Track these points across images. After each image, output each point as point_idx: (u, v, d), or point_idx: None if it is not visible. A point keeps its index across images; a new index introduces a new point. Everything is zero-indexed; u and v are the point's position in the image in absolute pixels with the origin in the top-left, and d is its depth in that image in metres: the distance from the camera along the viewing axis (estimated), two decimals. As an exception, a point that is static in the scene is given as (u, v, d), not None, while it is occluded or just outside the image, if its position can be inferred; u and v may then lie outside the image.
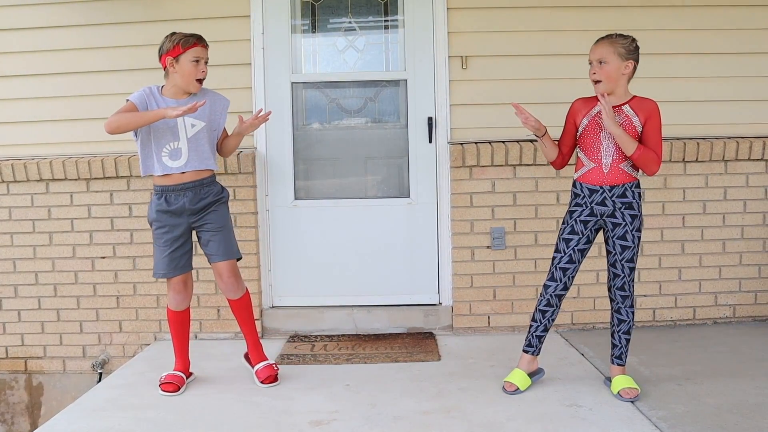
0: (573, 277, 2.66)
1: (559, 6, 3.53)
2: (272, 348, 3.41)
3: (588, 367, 2.99)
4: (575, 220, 2.64)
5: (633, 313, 2.64)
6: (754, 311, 3.67)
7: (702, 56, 3.57)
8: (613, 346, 2.69)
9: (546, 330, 2.71)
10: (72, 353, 3.69)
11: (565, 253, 2.63)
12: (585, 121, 2.63)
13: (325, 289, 3.72)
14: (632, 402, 2.57)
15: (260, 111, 2.86)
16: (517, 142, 3.51)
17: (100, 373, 3.62)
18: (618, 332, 2.66)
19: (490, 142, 3.52)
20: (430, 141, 3.65)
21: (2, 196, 3.63)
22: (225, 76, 3.55)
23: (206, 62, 2.73)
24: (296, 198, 3.72)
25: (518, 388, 2.68)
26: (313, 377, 2.96)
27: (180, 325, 2.86)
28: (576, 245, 2.63)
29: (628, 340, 2.67)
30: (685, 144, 3.54)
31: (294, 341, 3.54)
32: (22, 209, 3.63)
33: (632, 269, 2.61)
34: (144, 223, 3.59)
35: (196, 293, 3.61)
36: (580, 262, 2.66)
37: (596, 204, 2.61)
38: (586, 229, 2.63)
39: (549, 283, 2.66)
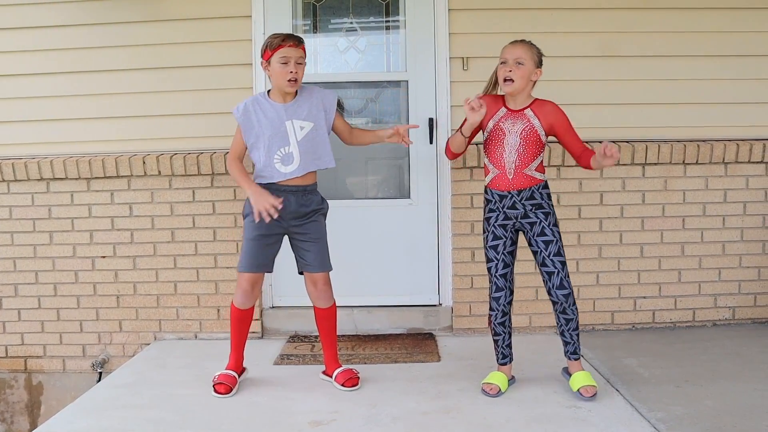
0: (512, 280, 2.70)
1: (561, 8, 3.53)
2: (272, 348, 3.42)
3: (588, 368, 2.98)
4: (494, 225, 2.67)
5: (576, 309, 2.65)
6: (753, 313, 3.68)
7: (702, 58, 3.58)
8: (565, 343, 2.71)
9: (511, 336, 2.75)
10: (72, 352, 3.69)
11: (498, 260, 2.67)
12: (490, 125, 2.64)
13: (325, 290, 3.72)
14: (625, 400, 2.57)
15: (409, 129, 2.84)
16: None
17: (100, 373, 3.63)
18: (567, 330, 2.68)
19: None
20: (431, 142, 3.66)
21: (3, 195, 3.63)
22: (226, 77, 3.57)
23: (299, 63, 2.66)
24: (297, 198, 3.72)
25: (501, 390, 2.69)
26: (313, 377, 2.96)
27: (240, 322, 2.82)
28: (504, 249, 2.66)
29: (578, 335, 2.69)
30: (685, 146, 3.55)
31: (294, 341, 3.54)
32: (23, 208, 3.63)
33: (563, 264, 2.61)
34: (144, 222, 3.61)
35: (196, 293, 3.62)
36: (513, 264, 2.69)
37: (507, 208, 2.64)
38: (507, 232, 2.67)
39: (497, 294, 2.68)
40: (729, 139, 3.60)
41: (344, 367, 2.86)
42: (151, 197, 3.60)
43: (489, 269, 2.70)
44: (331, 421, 2.49)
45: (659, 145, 3.54)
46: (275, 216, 2.58)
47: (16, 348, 3.71)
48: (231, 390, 2.75)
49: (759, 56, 3.59)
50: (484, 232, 2.72)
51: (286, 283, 3.73)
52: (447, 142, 2.80)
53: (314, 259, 2.78)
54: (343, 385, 2.79)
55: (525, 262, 3.59)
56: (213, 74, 3.57)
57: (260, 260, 2.75)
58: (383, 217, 3.72)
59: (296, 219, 2.73)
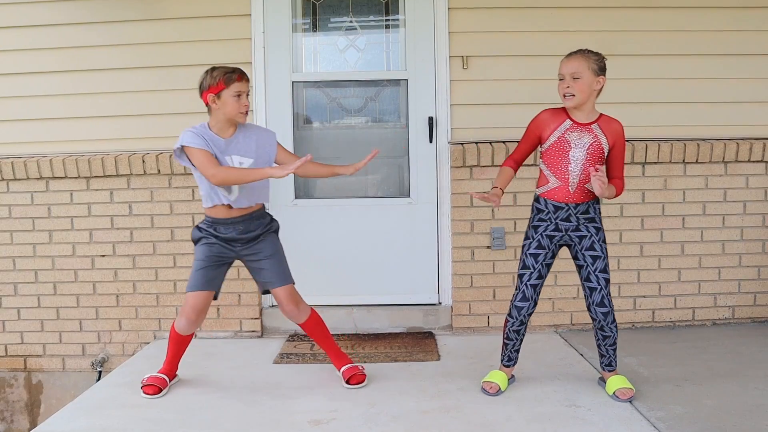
0: (540, 292, 2.64)
1: (561, 6, 3.53)
2: (272, 347, 3.42)
3: (587, 368, 2.99)
4: (541, 234, 2.62)
5: (616, 326, 2.63)
6: (753, 313, 3.68)
7: (702, 57, 3.58)
8: (601, 356, 2.70)
9: (522, 342, 2.73)
10: (71, 351, 3.69)
11: (534, 269, 2.61)
12: (553, 138, 2.60)
13: (325, 289, 3.72)
14: (630, 402, 2.57)
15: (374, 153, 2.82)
16: (517, 142, 3.50)
17: (100, 372, 3.63)
18: (604, 346, 2.66)
19: (490, 142, 3.53)
20: (431, 141, 3.65)
21: (2, 194, 3.63)
22: (226, 75, 3.55)
23: (247, 95, 2.67)
24: (296, 197, 3.72)
25: (500, 389, 2.69)
26: (312, 376, 2.96)
27: (178, 344, 2.83)
28: (543, 260, 2.62)
29: (615, 350, 2.67)
30: (685, 145, 3.55)
31: (294, 340, 3.54)
32: (22, 207, 3.63)
33: (607, 281, 2.58)
34: (144, 221, 3.60)
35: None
36: (545, 277, 2.65)
37: (561, 220, 2.60)
38: (552, 244, 2.62)
39: (521, 303, 2.61)
40: (729, 138, 3.60)
41: (350, 365, 2.87)
42: (150, 196, 3.59)
43: (521, 276, 2.63)
44: (330, 420, 2.49)
45: (659, 144, 3.54)
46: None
47: (15, 347, 3.71)
48: (160, 392, 2.76)
49: (759, 55, 3.59)
50: (527, 238, 2.65)
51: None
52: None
53: (272, 276, 2.74)
54: (347, 381, 2.80)
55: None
56: (213, 73, 3.56)
57: (208, 280, 2.71)
58: (383, 215, 3.72)
59: (245, 244, 2.73)
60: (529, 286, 2.61)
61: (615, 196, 2.60)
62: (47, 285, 3.66)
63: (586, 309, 2.64)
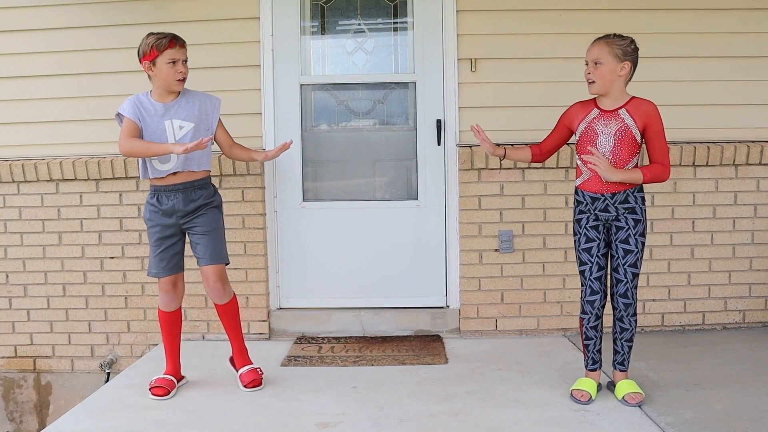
0: (606, 283, 2.62)
1: (569, 9, 3.52)
2: (279, 349, 3.42)
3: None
4: (586, 227, 2.61)
5: (636, 321, 2.61)
6: (764, 317, 3.64)
7: (712, 59, 3.55)
8: (615, 352, 2.67)
9: (602, 341, 2.67)
10: (80, 353, 3.71)
11: (592, 263, 2.60)
12: (582, 128, 2.59)
13: (333, 291, 3.72)
14: (639, 407, 2.55)
15: (285, 145, 2.86)
16: (525, 144, 3.49)
17: (108, 373, 3.64)
18: (620, 340, 2.64)
19: (498, 145, 3.50)
20: (439, 143, 3.65)
21: (12, 196, 3.66)
22: (234, 78, 3.57)
23: (185, 62, 2.70)
24: (304, 200, 3.72)
25: (591, 397, 2.62)
26: (320, 379, 2.96)
27: (170, 326, 2.84)
28: (598, 251, 2.60)
29: (630, 347, 2.65)
30: (695, 148, 3.52)
31: (301, 343, 3.54)
32: (32, 209, 3.65)
33: (635, 275, 2.57)
34: (153, 223, 3.61)
35: (203, 294, 3.62)
36: (607, 266, 2.63)
37: (599, 211, 2.59)
38: (599, 233, 2.61)
39: (591, 297, 2.60)
40: (739, 140, 3.58)
41: (251, 366, 2.86)
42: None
43: (582, 272, 2.62)
44: (338, 423, 2.49)
45: (669, 147, 3.51)
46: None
47: (25, 348, 3.73)
48: (168, 393, 2.76)
49: (769, 57, 3.56)
50: (575, 234, 2.65)
51: (293, 284, 3.73)
52: None
53: (204, 252, 2.75)
54: (246, 386, 2.80)
55: (532, 264, 3.60)
56: (221, 76, 3.58)
57: (167, 263, 2.77)
58: (391, 218, 3.71)
59: (186, 215, 2.75)
60: (593, 280, 2.60)
61: (646, 181, 2.52)
62: (57, 286, 3.68)
63: (612, 307, 2.61)
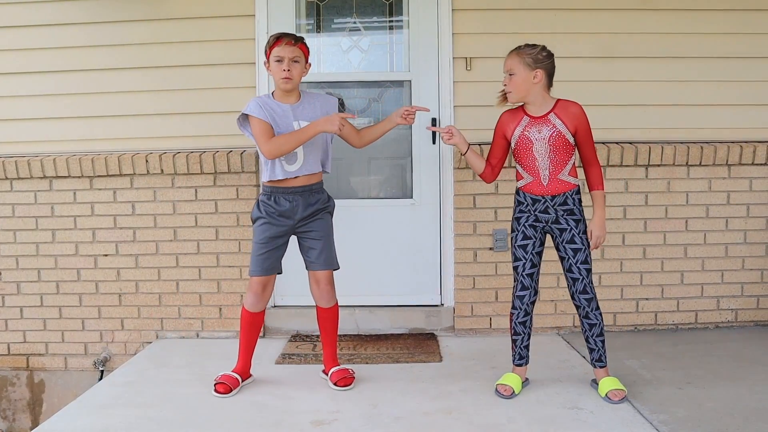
0: (538, 281, 2.70)
1: (564, 8, 3.53)
2: (274, 347, 3.42)
3: (589, 370, 2.97)
4: (524, 225, 2.67)
5: (601, 314, 2.66)
6: (756, 316, 3.67)
7: (706, 60, 3.57)
8: (591, 350, 2.70)
9: (530, 338, 2.74)
10: (74, 350, 3.69)
11: (526, 259, 2.66)
12: (516, 136, 2.65)
13: (327, 289, 3.71)
14: (630, 403, 2.56)
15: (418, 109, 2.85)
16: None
17: (102, 371, 3.63)
18: (591, 336, 2.67)
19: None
20: (434, 142, 3.65)
21: (6, 193, 3.64)
22: (229, 76, 3.57)
23: (294, 61, 2.66)
24: (299, 198, 3.72)
25: (514, 392, 2.69)
26: (314, 377, 2.96)
27: (251, 326, 2.83)
28: (533, 249, 2.67)
29: (603, 342, 2.68)
30: (688, 148, 3.54)
31: (296, 340, 3.54)
32: (26, 206, 3.64)
33: (588, 271, 2.62)
34: (147, 221, 3.61)
35: (198, 292, 3.63)
36: (539, 265, 2.69)
37: (539, 212, 2.64)
38: (536, 233, 2.67)
39: (521, 293, 2.67)
40: (732, 141, 3.60)
41: (340, 366, 2.86)
42: (153, 196, 3.60)
43: (515, 268, 2.69)
44: (332, 421, 2.49)
45: (662, 147, 3.53)
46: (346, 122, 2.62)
47: (18, 345, 3.71)
48: (231, 391, 2.75)
49: (762, 58, 3.58)
50: (512, 231, 2.71)
51: (288, 282, 3.72)
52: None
53: (318, 257, 2.79)
54: (336, 384, 2.79)
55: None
56: (216, 73, 3.58)
57: (270, 263, 2.78)
58: (385, 216, 3.72)
59: (303, 219, 2.76)
60: (525, 276, 2.66)
61: (598, 188, 2.60)
62: (50, 284, 3.67)
63: (575, 306, 2.67)
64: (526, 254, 2.66)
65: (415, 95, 3.65)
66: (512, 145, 2.68)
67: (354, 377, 2.83)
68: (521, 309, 2.68)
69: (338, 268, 2.86)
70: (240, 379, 2.81)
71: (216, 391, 2.74)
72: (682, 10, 3.54)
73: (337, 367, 2.85)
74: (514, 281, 2.71)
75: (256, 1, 3.57)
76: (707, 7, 3.54)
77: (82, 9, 3.57)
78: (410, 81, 3.66)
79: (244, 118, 2.72)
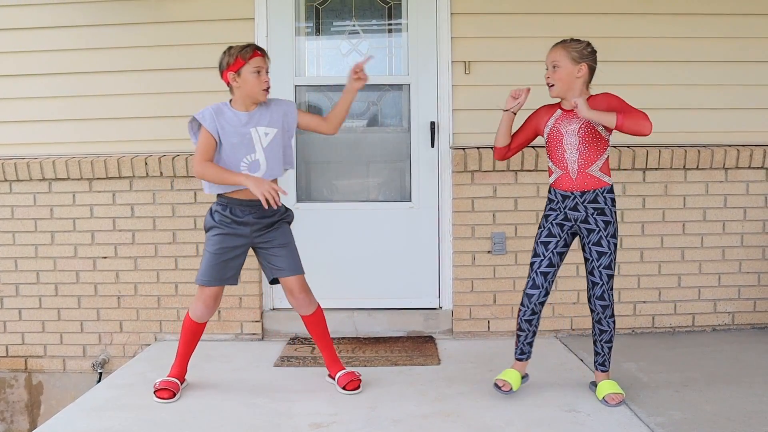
0: (552, 282, 2.66)
1: (562, 12, 3.55)
2: (272, 350, 3.43)
3: (587, 373, 2.99)
4: (551, 223, 2.65)
5: (614, 322, 2.64)
6: (753, 319, 3.68)
7: (703, 64, 3.59)
8: (596, 353, 2.70)
9: (534, 335, 2.72)
10: (72, 352, 3.69)
11: (544, 257, 2.63)
12: (547, 130, 2.65)
13: (326, 292, 3.67)
14: (627, 406, 2.57)
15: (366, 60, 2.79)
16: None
17: (100, 373, 3.63)
18: (600, 341, 2.67)
19: (492, 147, 3.52)
20: (433, 145, 3.66)
21: (5, 194, 3.64)
22: (228, 78, 3.57)
23: (267, 71, 2.66)
24: (298, 200, 3.73)
25: (512, 388, 2.69)
26: (313, 379, 2.97)
27: (194, 335, 2.81)
28: (554, 248, 2.63)
29: (610, 348, 2.67)
30: (685, 151, 3.56)
31: (294, 343, 3.54)
32: (25, 208, 3.64)
33: (610, 276, 2.60)
34: (146, 223, 3.61)
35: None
36: (558, 266, 2.66)
37: (569, 209, 2.62)
38: (563, 232, 2.64)
39: (531, 291, 2.64)
40: (729, 144, 3.61)
41: (347, 369, 2.86)
42: (152, 198, 3.60)
43: (531, 264, 2.65)
44: (331, 423, 2.50)
45: (660, 150, 3.55)
46: (280, 198, 2.55)
47: (16, 347, 3.71)
48: (174, 396, 2.72)
49: (759, 62, 3.60)
50: (540, 227, 2.68)
51: (286, 285, 3.73)
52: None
53: (285, 263, 2.72)
54: (344, 388, 2.79)
55: (525, 266, 3.61)
56: (215, 76, 3.56)
57: (225, 274, 2.71)
58: (384, 219, 3.72)
59: (260, 230, 2.71)
60: (539, 273, 2.62)
61: (619, 126, 2.45)
62: (49, 286, 3.67)
63: (587, 310, 2.64)
64: (546, 251, 2.62)
65: (414, 99, 3.66)
66: (545, 137, 2.66)
67: (361, 380, 2.82)
68: (528, 307, 2.65)
69: (304, 273, 2.79)
70: (179, 383, 2.79)
71: (158, 397, 2.71)
72: (678, 14, 3.56)
73: (344, 371, 2.83)
74: (528, 277, 2.67)
75: (255, 4, 3.58)
76: (704, 11, 3.56)
77: (82, 12, 3.58)
78: (409, 84, 3.67)
79: (193, 122, 2.66)
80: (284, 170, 2.77)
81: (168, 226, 3.61)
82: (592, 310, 2.64)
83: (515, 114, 2.70)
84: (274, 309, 3.74)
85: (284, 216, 2.78)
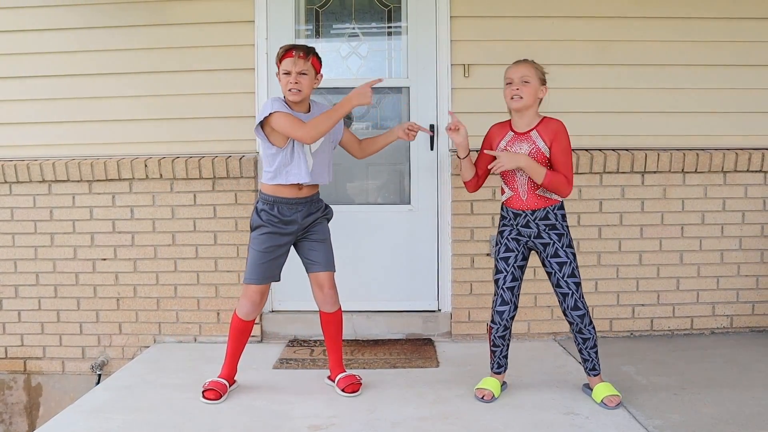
0: (518, 296, 2.69)
1: (562, 16, 3.56)
2: (272, 352, 3.43)
3: (585, 376, 2.99)
4: (507, 238, 2.69)
5: (594, 328, 2.65)
6: (751, 322, 3.69)
7: (702, 68, 3.60)
8: (584, 360, 2.71)
9: (509, 347, 2.76)
10: (71, 354, 3.69)
11: (507, 272, 2.66)
12: (499, 150, 2.67)
13: (325, 294, 3.72)
14: (624, 408, 2.58)
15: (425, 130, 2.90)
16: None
17: (99, 375, 3.63)
18: (585, 349, 2.68)
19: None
20: (432, 148, 3.67)
21: (5, 196, 3.65)
22: (229, 81, 3.59)
23: (302, 73, 2.65)
24: (297, 203, 3.73)
25: (495, 395, 2.70)
26: (312, 382, 2.97)
27: (241, 333, 2.81)
28: (515, 262, 2.67)
29: (596, 352, 2.69)
30: (684, 155, 3.56)
31: (293, 345, 3.55)
32: (24, 210, 3.64)
33: (577, 285, 2.61)
34: (145, 225, 3.62)
35: (196, 296, 3.63)
36: (521, 280, 2.69)
37: (521, 226, 2.66)
38: (519, 246, 2.68)
39: (501, 308, 2.66)
40: (728, 148, 3.62)
41: (347, 372, 2.86)
42: (152, 200, 3.61)
43: (496, 281, 2.69)
44: (329, 426, 2.50)
45: (658, 154, 3.56)
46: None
47: (15, 349, 3.71)
48: (220, 397, 2.74)
49: (758, 66, 3.61)
50: (496, 244, 2.73)
51: (286, 287, 3.72)
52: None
53: (320, 257, 2.79)
54: (343, 390, 2.79)
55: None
56: (216, 78, 3.60)
57: (271, 272, 2.78)
58: (383, 222, 3.73)
59: (304, 228, 2.78)
60: (505, 289, 2.67)
61: (545, 183, 2.54)
62: (48, 288, 3.67)
63: (568, 322, 2.67)
64: (508, 267, 2.67)
65: (414, 102, 3.67)
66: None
67: (361, 383, 2.83)
68: (500, 324, 2.68)
69: (335, 270, 2.87)
70: (228, 385, 2.81)
71: (205, 397, 2.73)
72: (676, 18, 3.57)
73: (344, 374, 2.84)
74: (495, 295, 2.71)
75: (255, 7, 3.59)
76: (701, 15, 3.57)
77: (82, 15, 3.59)
78: (408, 87, 3.68)
79: (261, 122, 2.65)
80: (323, 182, 2.81)
81: (167, 228, 3.62)
82: (570, 323, 2.66)
83: (469, 153, 2.72)
84: (273, 311, 3.74)
85: (325, 213, 2.85)
